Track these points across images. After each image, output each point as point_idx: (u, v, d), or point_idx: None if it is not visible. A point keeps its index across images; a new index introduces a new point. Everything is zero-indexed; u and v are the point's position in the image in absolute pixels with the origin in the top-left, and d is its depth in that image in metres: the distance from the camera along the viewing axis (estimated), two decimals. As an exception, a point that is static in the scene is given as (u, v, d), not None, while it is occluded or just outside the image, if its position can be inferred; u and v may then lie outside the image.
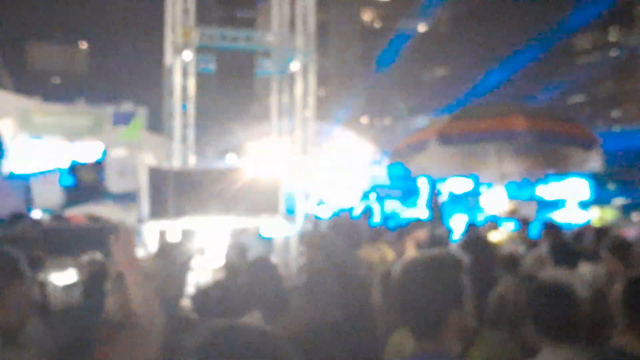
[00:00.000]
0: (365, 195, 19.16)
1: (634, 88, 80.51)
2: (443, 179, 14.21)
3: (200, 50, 21.13)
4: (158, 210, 8.83)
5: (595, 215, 24.58)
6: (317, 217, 14.03)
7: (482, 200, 16.10)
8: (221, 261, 7.65)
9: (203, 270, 7.21)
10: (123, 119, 28.42)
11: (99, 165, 19.79)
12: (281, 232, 10.84)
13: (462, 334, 2.26)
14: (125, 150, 26.29)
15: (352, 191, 20.18)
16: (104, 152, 22.88)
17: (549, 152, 10.70)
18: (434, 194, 11.36)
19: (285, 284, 4.94)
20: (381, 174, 23.69)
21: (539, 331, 3.12)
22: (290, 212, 11.47)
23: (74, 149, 25.05)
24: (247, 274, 4.08)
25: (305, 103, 21.87)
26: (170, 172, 9.74)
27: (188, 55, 20.50)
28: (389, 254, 8.79)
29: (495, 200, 15.34)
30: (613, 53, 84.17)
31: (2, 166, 30.28)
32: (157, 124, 26.62)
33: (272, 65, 22.46)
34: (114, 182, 16.95)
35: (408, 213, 19.15)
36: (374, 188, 20.75)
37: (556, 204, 23.60)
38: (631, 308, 3.10)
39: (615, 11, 77.46)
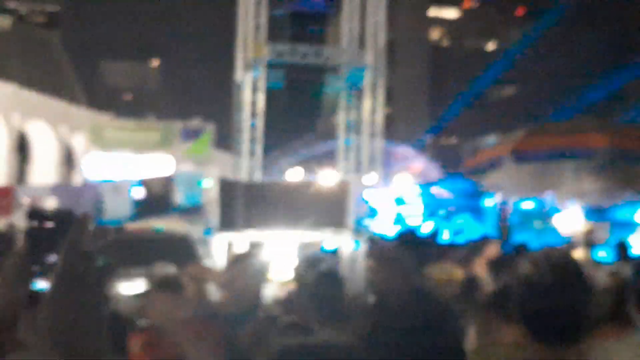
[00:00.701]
0: (432, 214, 18.85)
1: None
2: (516, 199, 13.88)
3: (270, 66, 21.37)
4: (227, 222, 8.84)
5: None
6: (382, 235, 13.85)
7: (555, 221, 15.62)
8: (289, 274, 7.58)
9: (270, 283, 7.13)
10: (192, 135, 28.91)
11: (167, 179, 20.10)
12: (348, 247, 10.69)
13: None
14: (193, 165, 26.67)
15: (418, 210, 19.91)
16: (173, 166, 23.28)
17: (629, 170, 10.28)
18: (504, 212, 11.03)
19: (352, 298, 4.82)
20: (447, 193, 23.33)
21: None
22: (358, 227, 11.35)
23: (144, 163, 25.59)
24: (316, 286, 3.97)
25: (374, 120, 21.87)
26: (240, 184, 9.77)
27: (258, 71, 20.79)
28: (457, 273, 8.53)
29: (567, 221, 14.87)
30: None
31: (73, 177, 31.17)
32: (224, 140, 27.02)
33: (341, 82, 22.50)
34: (181, 195, 17.15)
35: (476, 232, 18.72)
36: (440, 205, 20.42)
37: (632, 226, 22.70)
38: None
39: None
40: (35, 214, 0.96)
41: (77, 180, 28.65)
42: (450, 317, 3.90)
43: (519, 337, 2.45)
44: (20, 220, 10.66)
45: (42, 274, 0.91)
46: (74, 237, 0.89)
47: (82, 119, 35.31)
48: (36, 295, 0.92)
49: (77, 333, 0.88)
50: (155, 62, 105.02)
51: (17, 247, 0.94)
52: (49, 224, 0.93)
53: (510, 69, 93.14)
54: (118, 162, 26.87)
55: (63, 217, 0.96)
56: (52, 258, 0.90)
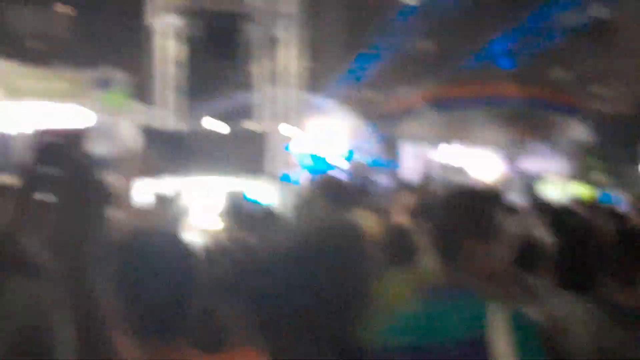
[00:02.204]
0: (349, 158, 18.92)
1: (616, 65, 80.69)
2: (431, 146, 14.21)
3: (186, 13, 20.85)
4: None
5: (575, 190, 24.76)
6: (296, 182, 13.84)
7: (465, 170, 16.09)
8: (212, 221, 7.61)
9: (191, 230, 7.14)
10: (104, 84, 28.05)
11: (80, 130, 19.56)
12: (266, 197, 10.78)
13: (486, 272, 2.19)
14: (108, 116, 26.02)
15: (335, 157, 20.08)
16: (86, 117, 22.62)
17: (536, 119, 10.70)
18: (428, 161, 11.33)
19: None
20: (366, 142, 23.60)
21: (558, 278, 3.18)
22: (280, 176, 11.45)
23: (55, 113, 24.76)
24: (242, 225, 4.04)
25: (291, 71, 21.76)
26: (165, 132, 9.73)
27: (173, 19, 20.30)
28: (370, 220, 8.58)
29: (478, 170, 15.37)
30: (595, 27, 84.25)
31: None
32: (139, 91, 26.36)
33: (257, 31, 22.19)
34: (97, 147, 16.75)
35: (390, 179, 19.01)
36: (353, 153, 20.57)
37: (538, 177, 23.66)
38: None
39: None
40: (40, 133, 1.03)
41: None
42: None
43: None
44: None
45: (46, 188, 0.97)
46: (72, 150, 0.96)
47: (-13, 66, 33.85)
48: (39, 208, 0.98)
49: (78, 242, 0.94)
50: (63, 7, 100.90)
51: (24, 161, 0.99)
52: (57, 140, 0.99)
53: (426, 20, 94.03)
54: (26, 113, 25.86)
55: (63, 134, 1.03)
56: (55, 171, 0.96)
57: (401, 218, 7.22)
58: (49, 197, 0.93)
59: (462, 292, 2.08)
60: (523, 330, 1.87)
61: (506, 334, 1.84)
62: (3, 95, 28.41)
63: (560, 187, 24.41)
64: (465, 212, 2.20)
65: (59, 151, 0.97)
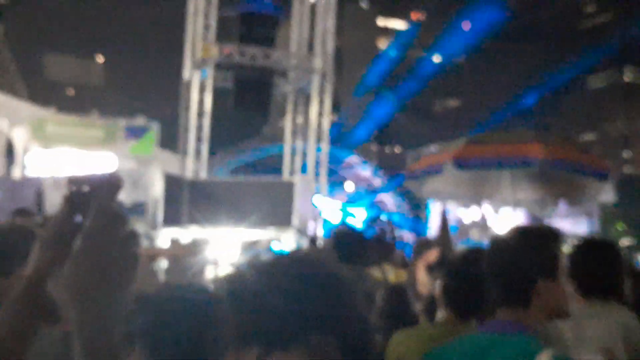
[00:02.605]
0: (373, 219, 19.00)
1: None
2: (456, 205, 14.21)
3: (219, 66, 21.24)
4: (171, 217, 8.87)
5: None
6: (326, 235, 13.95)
7: (490, 227, 16.02)
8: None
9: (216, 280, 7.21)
10: (136, 133, 28.54)
11: (110, 177, 19.87)
12: (292, 246, 10.82)
13: (555, 310, 2.18)
14: (136, 163, 26.43)
15: (360, 216, 20.14)
16: (115, 164, 23.02)
17: (564, 181, 10.65)
18: (444, 216, 11.22)
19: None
20: (389, 200, 23.59)
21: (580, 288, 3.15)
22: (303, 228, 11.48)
23: (86, 160, 25.25)
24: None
25: (321, 125, 21.95)
26: (185, 181, 9.79)
27: (206, 72, 20.65)
28: (395, 275, 8.60)
29: (502, 227, 15.27)
30: (626, 91, 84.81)
31: (12, 171, 30.51)
32: (169, 140, 26.78)
33: (289, 86, 22.51)
34: (124, 193, 16.96)
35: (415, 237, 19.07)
36: (381, 213, 20.70)
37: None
38: None
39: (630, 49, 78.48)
40: (74, 179, 1.04)
41: (17, 174, 28.03)
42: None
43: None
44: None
45: (76, 235, 0.99)
46: (104, 198, 0.99)
47: (23, 112, 34.55)
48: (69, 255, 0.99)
49: (102, 289, 0.98)
50: (99, 58, 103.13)
51: (58, 210, 1.01)
52: (86, 188, 1.01)
53: (454, 80, 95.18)
54: (59, 158, 26.38)
55: (97, 181, 1.05)
56: (84, 219, 0.98)
57: (421, 273, 7.22)
58: (78, 244, 0.96)
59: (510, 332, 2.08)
60: None
61: None
62: (39, 142, 29.09)
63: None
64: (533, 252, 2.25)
65: (90, 199, 1.00)
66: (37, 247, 1.04)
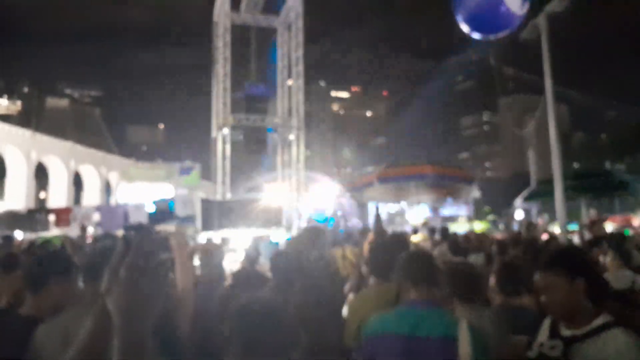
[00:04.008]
0: (334, 215, 18.95)
1: (498, 149, 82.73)
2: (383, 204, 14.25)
3: (234, 127, 21.32)
4: (207, 225, 8.70)
5: (477, 226, 24.56)
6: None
7: (407, 216, 16.04)
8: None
9: (234, 262, 7.02)
10: (186, 171, 28.20)
11: (169, 200, 19.51)
12: (283, 238, 10.62)
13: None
14: (187, 190, 25.94)
15: (327, 213, 20.03)
16: (173, 192, 22.62)
17: (448, 186, 10.67)
18: (377, 212, 11.18)
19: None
20: (345, 202, 23.45)
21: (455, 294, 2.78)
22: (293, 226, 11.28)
23: (155, 190, 24.78)
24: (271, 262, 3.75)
25: (298, 160, 22.09)
26: (215, 202, 9.60)
27: (226, 131, 20.72)
28: (349, 252, 8.49)
29: (415, 216, 15.27)
30: (485, 127, 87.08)
31: (110, 200, 29.93)
32: (207, 174, 26.76)
33: (278, 137, 22.67)
34: (179, 210, 16.65)
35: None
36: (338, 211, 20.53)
37: (453, 219, 23.62)
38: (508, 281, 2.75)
39: (487, 102, 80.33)
40: (128, 226, 0.93)
41: (112, 202, 27.49)
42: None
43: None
44: (74, 230, 10.12)
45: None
46: (141, 241, 0.86)
47: (115, 163, 34.40)
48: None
49: (141, 312, 0.82)
50: (161, 126, 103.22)
51: (118, 249, 0.86)
52: (133, 233, 0.89)
53: (383, 128, 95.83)
54: (138, 190, 25.93)
55: (138, 228, 0.93)
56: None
57: (365, 249, 7.12)
58: (123, 274, 0.81)
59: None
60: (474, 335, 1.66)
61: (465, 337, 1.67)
62: (125, 180, 28.49)
63: (465, 224, 24.34)
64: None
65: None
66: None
